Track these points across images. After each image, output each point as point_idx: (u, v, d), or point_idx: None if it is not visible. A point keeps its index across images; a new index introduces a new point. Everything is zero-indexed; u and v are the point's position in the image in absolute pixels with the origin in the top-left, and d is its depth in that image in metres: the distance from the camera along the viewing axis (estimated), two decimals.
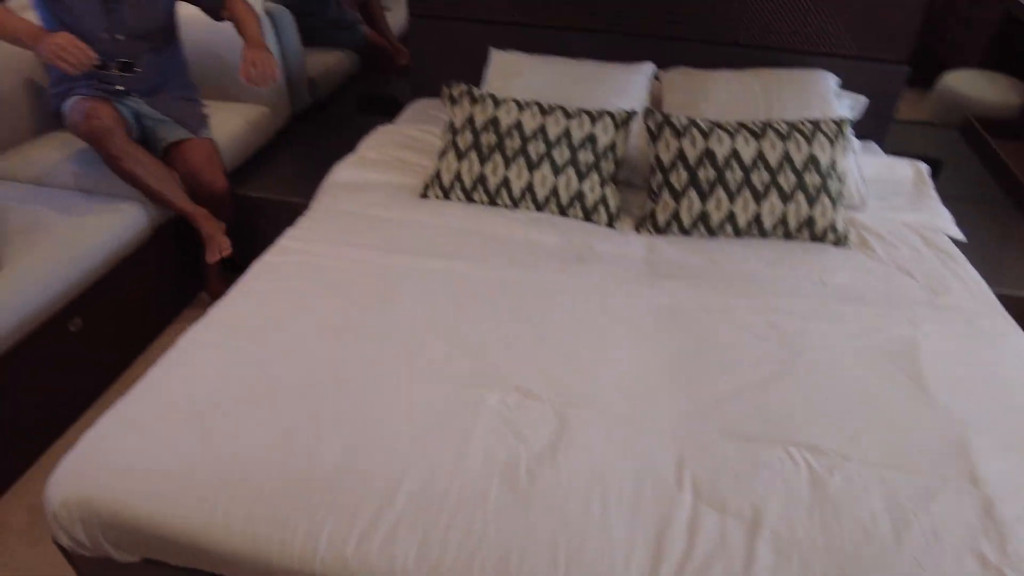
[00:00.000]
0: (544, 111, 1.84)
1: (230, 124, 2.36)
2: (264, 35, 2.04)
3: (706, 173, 1.74)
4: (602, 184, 1.81)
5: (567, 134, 1.81)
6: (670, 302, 1.50)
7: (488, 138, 1.82)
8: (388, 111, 2.65)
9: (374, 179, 1.95)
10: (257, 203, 2.29)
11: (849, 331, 1.45)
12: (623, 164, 1.91)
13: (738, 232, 1.75)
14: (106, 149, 1.85)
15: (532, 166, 1.80)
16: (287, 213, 2.18)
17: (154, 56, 2.02)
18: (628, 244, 1.72)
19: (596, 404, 1.23)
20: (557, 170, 1.79)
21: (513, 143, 1.81)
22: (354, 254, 1.63)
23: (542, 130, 1.81)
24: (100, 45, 1.86)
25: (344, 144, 2.38)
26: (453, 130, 1.88)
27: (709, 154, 1.75)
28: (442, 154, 1.88)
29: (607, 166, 1.83)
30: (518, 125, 1.82)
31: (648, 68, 2.16)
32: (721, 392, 1.28)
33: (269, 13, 2.50)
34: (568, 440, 1.15)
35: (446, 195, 1.86)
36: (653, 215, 1.79)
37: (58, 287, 1.75)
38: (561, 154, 1.80)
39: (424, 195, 1.88)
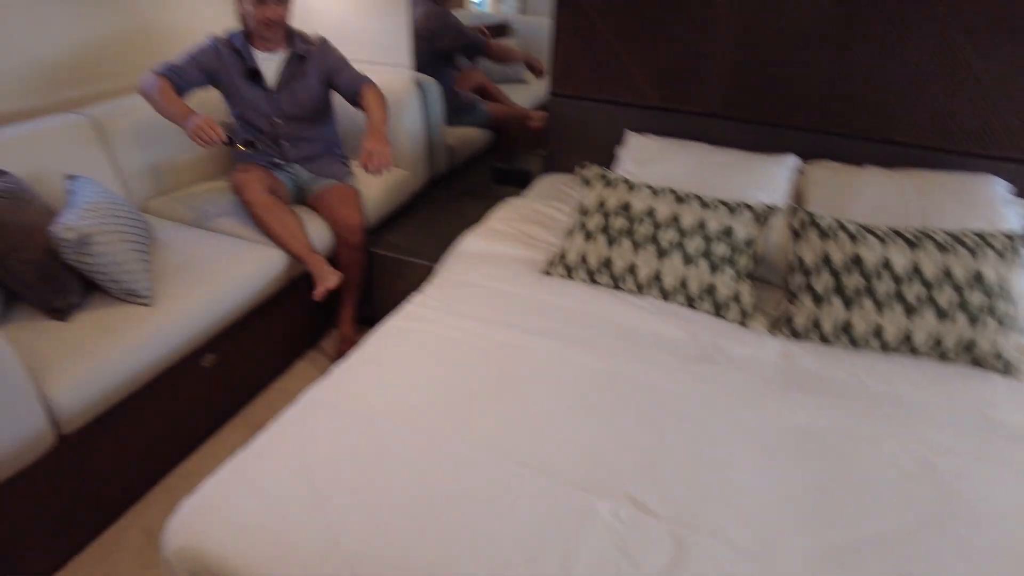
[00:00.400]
0: (679, 199, 1.79)
1: (372, 185, 2.50)
2: (388, 122, 2.23)
3: (852, 280, 1.62)
4: (736, 279, 1.73)
5: (702, 225, 1.75)
6: (806, 421, 1.38)
7: (618, 222, 1.80)
8: (520, 183, 2.70)
9: (500, 251, 1.97)
10: (390, 262, 2.39)
11: (1020, 480, 1.26)
12: (761, 261, 1.82)
13: (886, 347, 1.60)
14: (243, 196, 2.18)
15: (662, 254, 1.75)
16: (417, 274, 2.26)
17: (308, 130, 2.34)
18: (761, 346, 1.62)
19: (717, 531, 1.12)
20: (688, 260, 1.73)
21: (644, 229, 1.77)
22: (474, 327, 1.63)
23: (675, 218, 1.76)
24: (263, 124, 2.27)
25: (474, 212, 2.44)
26: (583, 211, 1.87)
27: (857, 260, 1.62)
28: (569, 233, 1.87)
29: (743, 261, 1.74)
30: (651, 212, 1.78)
31: (791, 160, 2.07)
32: (860, 536, 1.14)
33: (419, 83, 2.64)
34: (684, 570, 1.05)
35: (569, 274, 1.84)
36: (790, 318, 1.68)
37: (200, 325, 1.87)
38: (694, 244, 1.74)
39: (547, 272, 1.87)
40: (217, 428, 2.08)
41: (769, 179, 1.99)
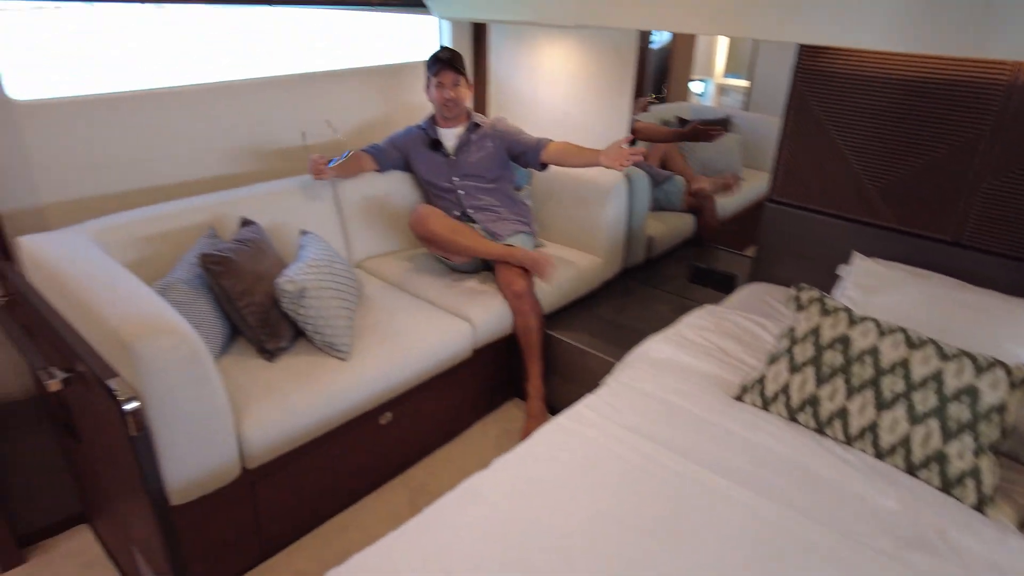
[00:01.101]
0: (911, 343, 1.54)
1: (562, 268, 2.49)
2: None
3: None
4: (976, 452, 1.42)
5: (938, 378, 1.48)
6: None
7: (833, 357, 1.58)
8: (720, 286, 2.54)
9: (687, 363, 1.83)
10: (569, 348, 2.34)
11: None
12: (1011, 433, 1.49)
13: None
14: (425, 228, 2.28)
15: (882, 404, 1.50)
16: (595, 366, 2.20)
17: (483, 186, 2.53)
18: (1004, 546, 1.29)
19: None
20: (915, 418, 1.46)
21: (863, 371, 1.54)
22: (647, 448, 1.51)
23: (904, 365, 1.51)
24: (444, 182, 2.54)
25: (665, 312, 2.33)
26: (792, 338, 1.67)
27: None
28: (773, 359, 1.68)
29: (988, 431, 1.44)
30: (874, 351, 1.55)
31: None
32: None
33: (627, 175, 2.62)
34: None
35: (765, 406, 1.65)
36: None
37: (386, 384, 1.95)
38: (924, 400, 1.47)
39: (739, 398, 1.69)
40: (378, 485, 2.13)
41: None
